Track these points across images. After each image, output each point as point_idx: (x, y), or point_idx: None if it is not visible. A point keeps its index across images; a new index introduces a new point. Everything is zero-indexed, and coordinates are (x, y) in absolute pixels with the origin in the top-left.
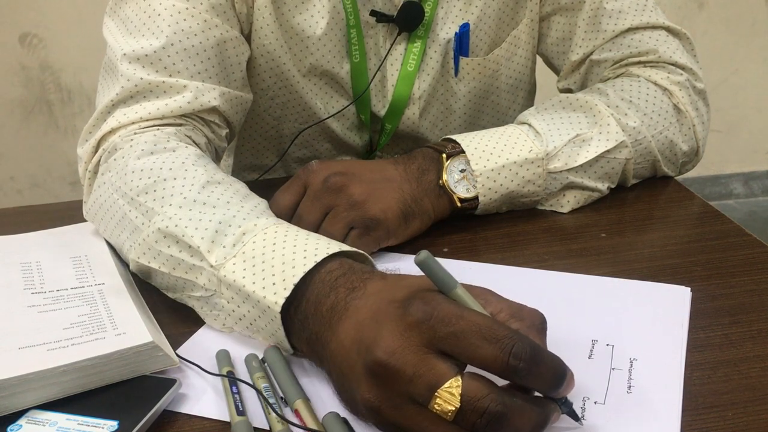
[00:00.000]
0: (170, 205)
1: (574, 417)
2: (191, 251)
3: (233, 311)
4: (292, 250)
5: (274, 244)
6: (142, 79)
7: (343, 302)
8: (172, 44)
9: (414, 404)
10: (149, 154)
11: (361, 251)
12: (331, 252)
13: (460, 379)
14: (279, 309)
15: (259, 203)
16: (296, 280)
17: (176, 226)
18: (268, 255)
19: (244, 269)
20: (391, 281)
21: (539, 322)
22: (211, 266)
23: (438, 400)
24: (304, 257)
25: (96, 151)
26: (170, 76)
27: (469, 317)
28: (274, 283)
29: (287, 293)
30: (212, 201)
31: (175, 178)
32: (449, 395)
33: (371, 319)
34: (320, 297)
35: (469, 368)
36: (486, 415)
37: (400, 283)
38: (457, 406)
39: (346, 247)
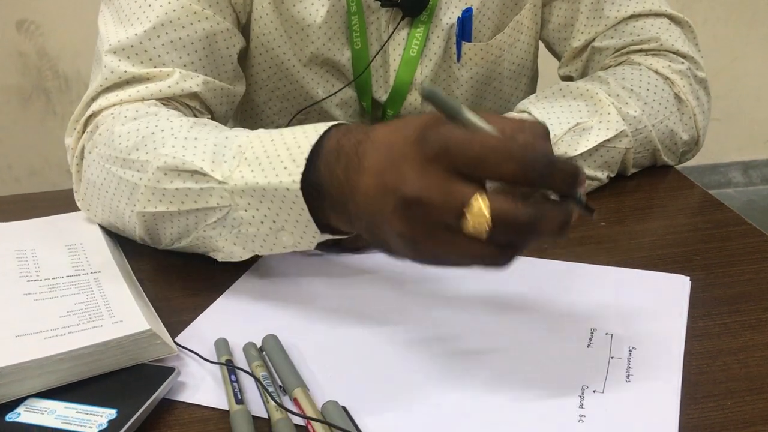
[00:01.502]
0: (164, 147)
1: (587, 209)
2: (196, 177)
3: (253, 217)
4: (292, 137)
5: (272, 140)
6: (126, 71)
7: (355, 158)
8: (158, 36)
9: (448, 231)
10: (132, 120)
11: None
12: (330, 125)
13: (486, 197)
14: (298, 186)
15: (247, 130)
16: (306, 154)
17: (174, 158)
18: (270, 151)
19: (252, 171)
20: (393, 125)
21: (542, 131)
22: (219, 182)
23: (470, 221)
24: (306, 136)
25: (81, 137)
26: (155, 67)
27: (482, 139)
28: (285, 167)
29: (301, 169)
30: (202, 136)
31: (162, 130)
32: (480, 214)
33: (389, 163)
34: (330, 162)
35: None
36: (518, 225)
37: (405, 124)
38: (490, 223)
39: (341, 122)
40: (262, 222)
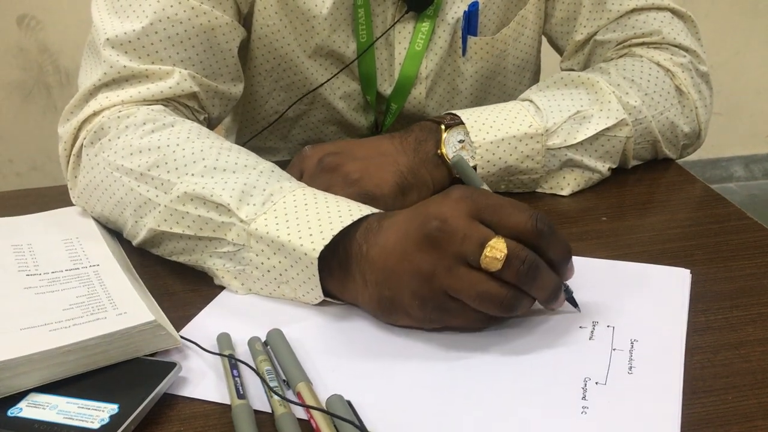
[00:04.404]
0: (191, 174)
1: (573, 303)
2: (220, 210)
3: (262, 264)
4: (326, 209)
5: (306, 204)
6: (125, 66)
7: (376, 224)
8: (155, 32)
9: (465, 265)
10: (150, 132)
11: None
12: (364, 213)
13: (501, 237)
14: (317, 255)
15: (274, 167)
16: (335, 232)
17: (203, 188)
18: (302, 212)
19: (277, 224)
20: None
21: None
22: (242, 221)
23: (488, 252)
24: (340, 215)
25: (78, 133)
26: (153, 63)
27: (500, 196)
28: (310, 234)
29: (326, 242)
30: (230, 167)
31: (184, 149)
32: (496, 248)
33: (412, 218)
34: (345, 242)
35: None
36: (527, 262)
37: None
38: (505, 253)
39: (375, 210)
40: (269, 271)
